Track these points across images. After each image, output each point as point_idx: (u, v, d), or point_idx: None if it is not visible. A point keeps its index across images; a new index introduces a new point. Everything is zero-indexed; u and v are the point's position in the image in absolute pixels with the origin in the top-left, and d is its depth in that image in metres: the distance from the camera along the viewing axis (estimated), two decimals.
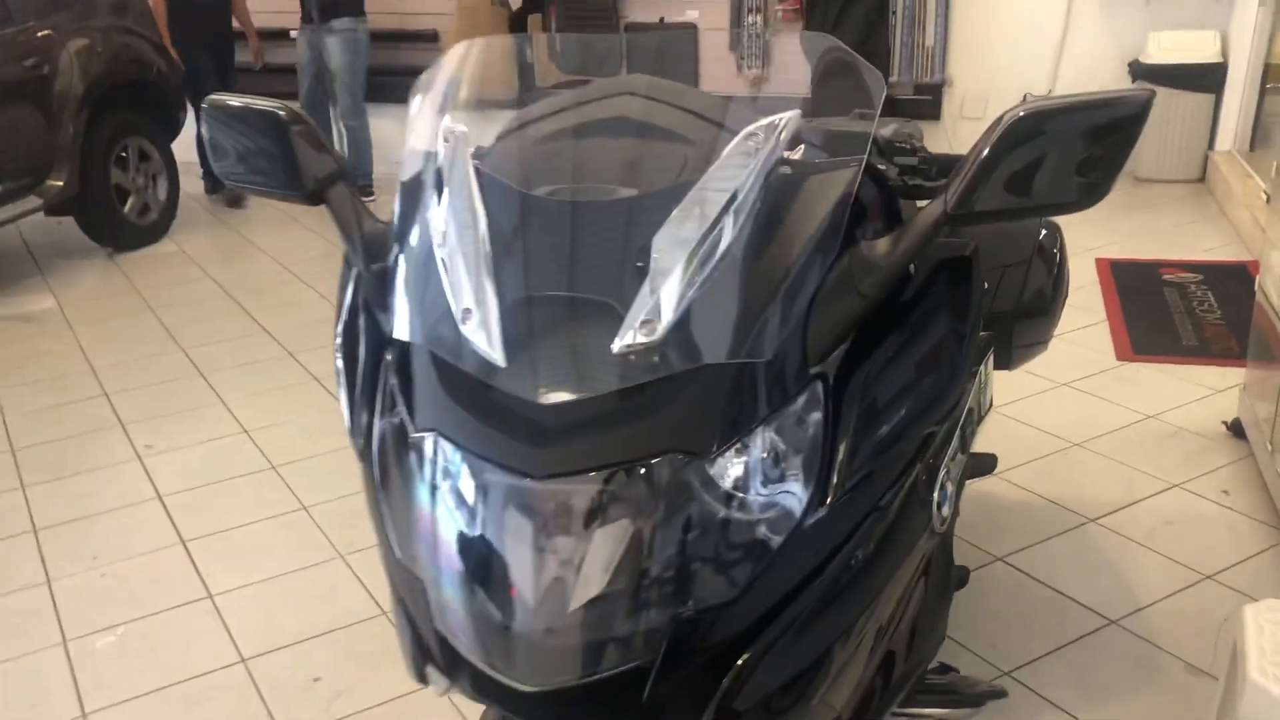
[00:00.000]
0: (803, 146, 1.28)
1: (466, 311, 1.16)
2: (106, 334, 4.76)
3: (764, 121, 1.17)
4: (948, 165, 1.49)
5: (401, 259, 1.26)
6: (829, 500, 1.13)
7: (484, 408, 1.13)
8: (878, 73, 1.38)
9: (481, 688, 1.17)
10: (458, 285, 1.17)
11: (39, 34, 5.41)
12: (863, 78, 1.39)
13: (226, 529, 3.18)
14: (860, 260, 1.19)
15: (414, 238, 1.27)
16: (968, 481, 1.72)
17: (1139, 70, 6.08)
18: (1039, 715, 2.30)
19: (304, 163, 1.37)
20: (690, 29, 6.65)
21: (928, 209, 1.19)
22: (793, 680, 1.17)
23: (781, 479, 1.12)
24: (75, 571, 2.99)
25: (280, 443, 3.68)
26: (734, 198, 1.13)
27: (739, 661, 1.13)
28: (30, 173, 5.38)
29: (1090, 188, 1.14)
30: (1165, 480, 3.22)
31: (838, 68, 1.54)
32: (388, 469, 1.23)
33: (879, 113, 1.31)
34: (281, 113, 1.38)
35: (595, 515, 1.08)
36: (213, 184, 6.60)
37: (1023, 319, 2.31)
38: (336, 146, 6.39)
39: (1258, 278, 3.41)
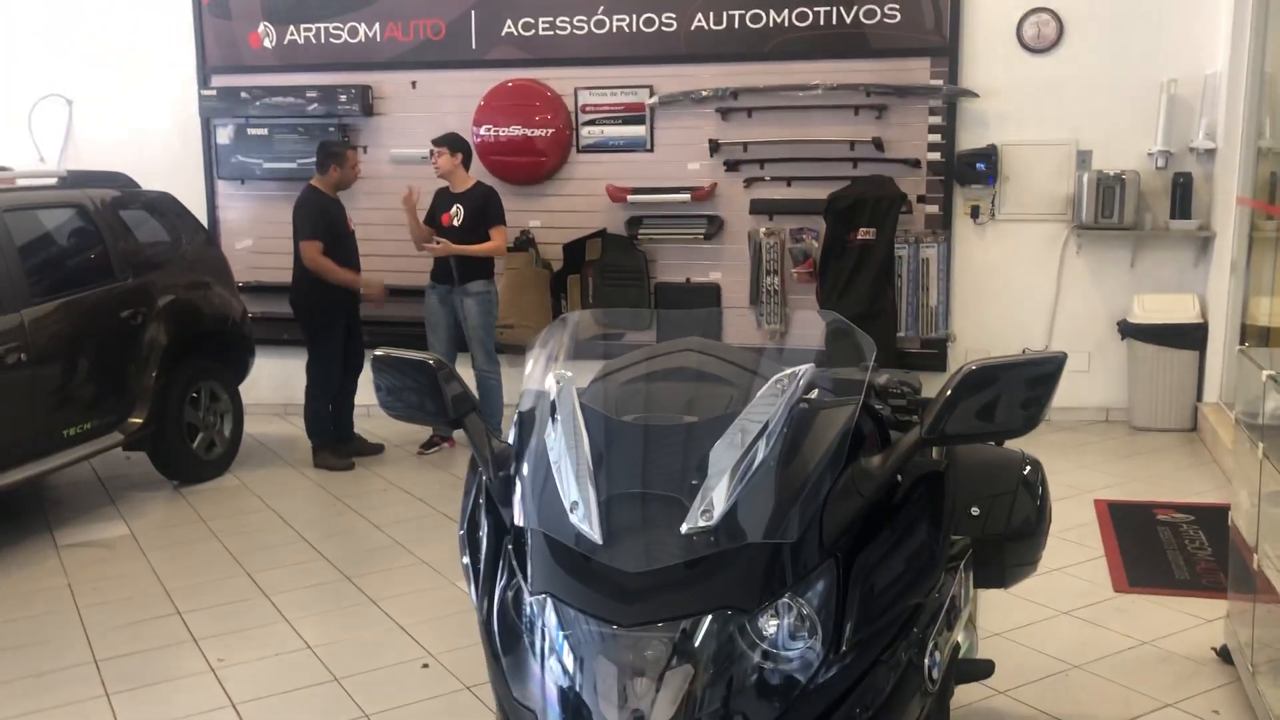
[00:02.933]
0: (816, 390, 1.73)
1: (574, 504, 1.57)
2: (176, 558, 5.15)
3: (789, 370, 1.61)
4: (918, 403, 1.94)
5: (524, 467, 1.69)
6: (842, 650, 1.51)
7: (585, 575, 1.54)
8: (869, 338, 1.86)
9: None
10: (567, 485, 1.59)
11: (135, 289, 6.07)
12: (858, 341, 1.86)
13: None
14: (860, 471, 1.62)
15: (532, 452, 1.70)
16: (978, 699, 2.00)
17: (1127, 329, 6.65)
18: None
19: (447, 398, 1.82)
20: (714, 287, 7.32)
21: (908, 434, 1.62)
22: None
23: (805, 633, 1.50)
24: None
25: (342, 658, 4.00)
26: (767, 425, 1.56)
27: None
28: (115, 411, 5.91)
29: (1027, 419, 1.57)
30: (1160, 700, 3.50)
31: (842, 332, 2.00)
32: (508, 625, 1.62)
33: (870, 366, 1.77)
34: (431, 362, 1.84)
35: (668, 656, 1.46)
36: (322, 458, 6.69)
37: (1011, 541, 2.69)
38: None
39: (1230, 515, 3.80)
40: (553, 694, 1.52)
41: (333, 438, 6.71)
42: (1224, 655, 3.73)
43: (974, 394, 1.57)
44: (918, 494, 1.66)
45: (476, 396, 2.35)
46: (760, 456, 1.55)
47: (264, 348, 7.09)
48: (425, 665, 3.94)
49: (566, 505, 1.58)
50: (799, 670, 1.50)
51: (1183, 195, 6.60)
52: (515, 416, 1.91)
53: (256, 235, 7.98)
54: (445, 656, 4.00)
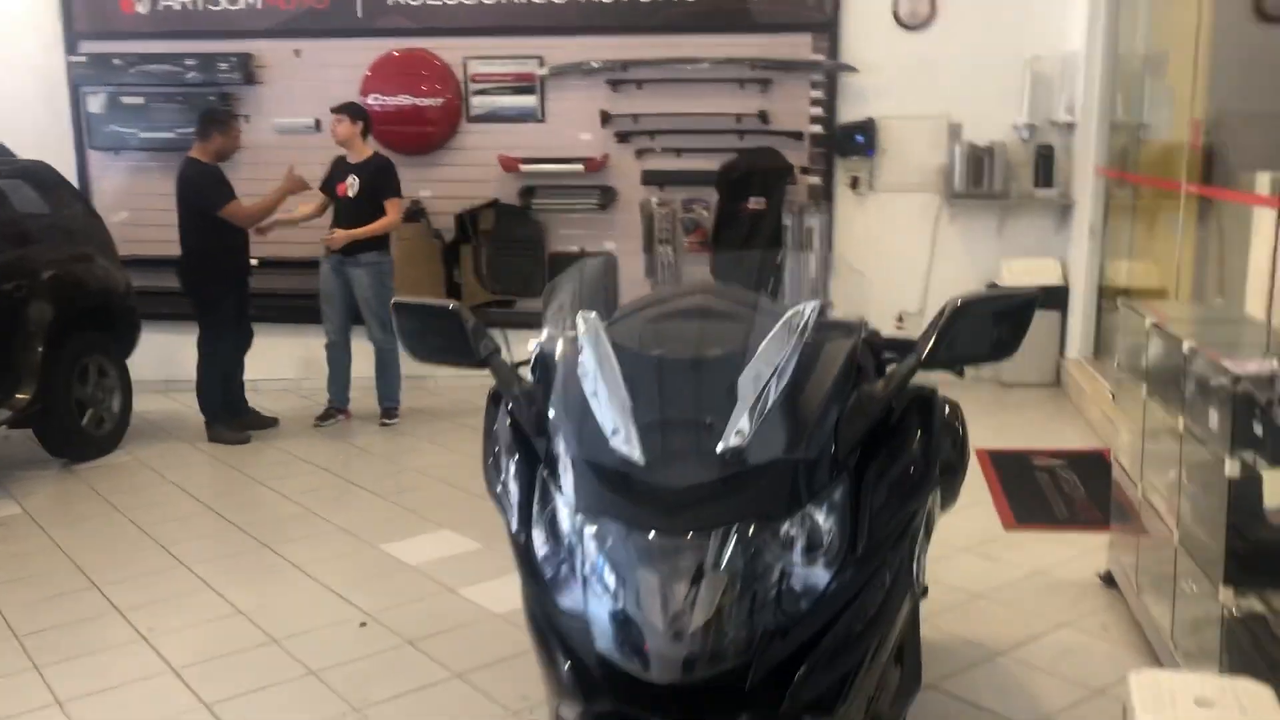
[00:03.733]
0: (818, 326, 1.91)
1: (615, 430, 1.72)
2: (82, 534, 5.04)
3: (798, 307, 1.79)
4: (900, 344, 2.15)
5: (558, 401, 1.83)
6: (857, 553, 1.71)
7: (629, 494, 1.69)
8: (862, 275, 2.06)
9: (630, 694, 1.67)
10: (606, 414, 1.74)
11: (15, 261, 5.87)
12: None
13: (247, 692, 3.51)
14: (866, 394, 1.82)
15: (565, 386, 1.84)
16: None
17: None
18: None
19: (472, 339, 1.94)
20: (611, 257, 7.47)
21: (905, 361, 1.83)
22: (837, 681, 1.71)
23: (825, 537, 1.69)
24: None
25: (277, 620, 4.04)
26: (785, 356, 1.74)
27: (803, 666, 1.66)
28: (1, 388, 5.72)
29: (1006, 345, 1.80)
30: (1055, 621, 3.85)
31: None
32: (547, 546, 1.75)
33: (866, 300, 1.98)
34: (451, 306, 1.95)
35: (707, 561, 1.63)
36: (216, 432, 6.58)
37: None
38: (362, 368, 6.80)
39: (1112, 455, 4.17)
40: (600, 603, 1.66)
41: (226, 412, 6.63)
42: (1108, 580, 4.11)
43: (964, 324, 1.78)
44: (911, 416, 1.86)
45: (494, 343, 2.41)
46: (782, 384, 1.72)
47: (143, 323, 6.91)
48: (363, 624, 4.01)
49: (607, 432, 1.73)
50: (818, 574, 1.68)
51: (1045, 166, 7.06)
52: (533, 359, 2.03)
53: (132, 207, 7.75)
54: (383, 615, 4.07)
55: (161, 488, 5.77)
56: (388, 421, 6.86)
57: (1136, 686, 2.37)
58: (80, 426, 6.23)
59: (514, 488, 1.87)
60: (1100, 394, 6.24)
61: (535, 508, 1.81)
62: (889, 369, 1.88)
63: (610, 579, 1.67)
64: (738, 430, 1.69)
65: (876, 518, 1.74)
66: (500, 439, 1.94)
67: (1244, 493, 2.93)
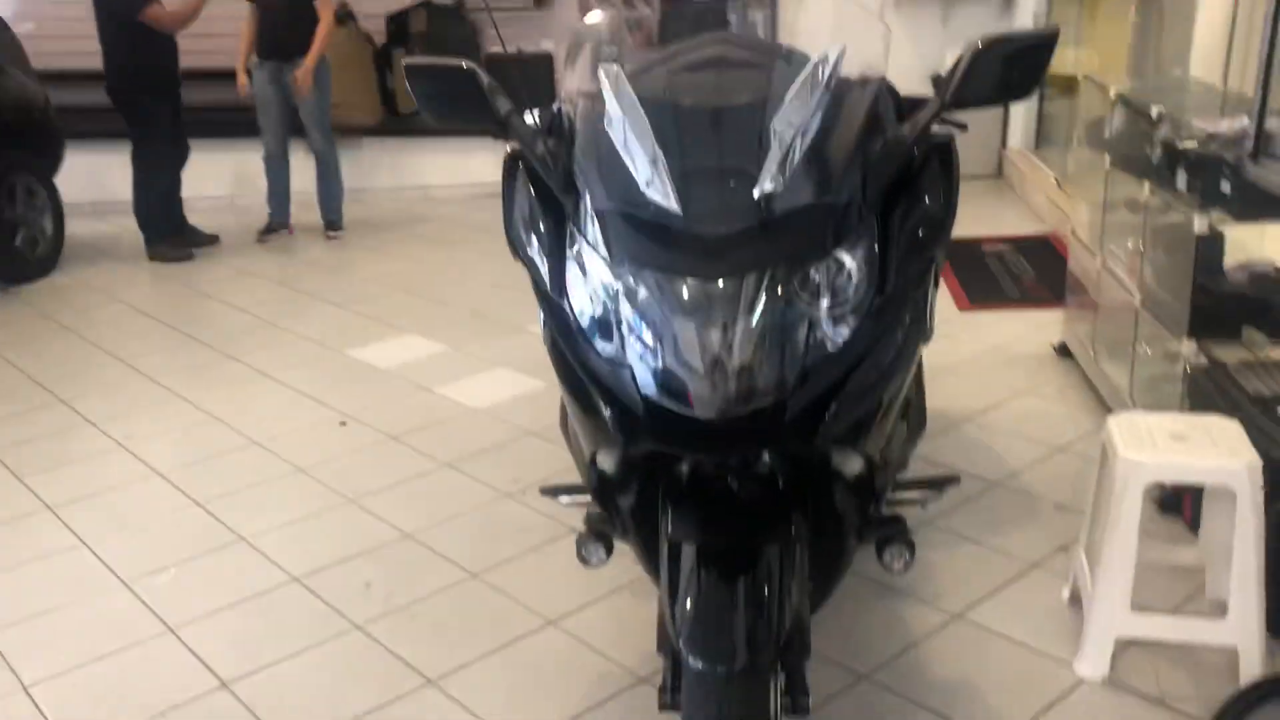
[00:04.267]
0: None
1: (649, 181, 1.72)
2: (35, 353, 4.95)
3: (824, 53, 1.78)
4: (915, 100, 2.16)
5: (586, 156, 1.82)
6: (885, 295, 1.76)
7: (667, 244, 1.71)
8: (883, 24, 2.06)
9: (672, 435, 1.73)
10: (637, 165, 1.74)
11: None
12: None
13: (238, 490, 3.56)
14: (891, 139, 1.85)
15: (590, 141, 1.83)
16: None
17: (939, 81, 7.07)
18: (954, 544, 2.99)
19: (491, 100, 1.90)
20: (546, 57, 7.29)
21: (928, 104, 1.85)
22: (862, 417, 1.80)
23: (855, 280, 1.74)
24: (108, 532, 3.31)
25: (255, 424, 4.05)
26: (816, 101, 1.74)
27: (834, 403, 1.74)
28: None
29: (1023, 85, 1.83)
30: (1016, 390, 4.03)
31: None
32: (596, 301, 1.77)
33: (888, 47, 1.98)
34: (465, 65, 1.91)
35: (758, 299, 1.67)
36: (158, 250, 6.42)
37: None
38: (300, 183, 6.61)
39: (1070, 228, 4.29)
40: (642, 350, 1.70)
41: (167, 229, 6.46)
42: (1062, 351, 4.28)
43: (985, 65, 1.80)
44: (931, 162, 1.89)
45: (510, 103, 2.35)
46: (812, 130, 1.73)
47: (68, 142, 6.61)
48: (343, 423, 4.05)
49: (641, 183, 1.73)
50: (849, 316, 1.74)
51: None
52: (551, 118, 2.01)
53: (40, 17, 7.32)
54: (361, 415, 4.11)
55: (110, 306, 5.66)
56: (333, 234, 6.75)
57: (1115, 427, 2.52)
58: (14, 247, 6.03)
59: (543, 246, 1.88)
60: (1044, 182, 6.36)
61: (569, 265, 1.83)
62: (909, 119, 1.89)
63: (651, 326, 1.70)
64: (772, 176, 1.70)
65: (902, 261, 1.79)
66: (523, 201, 1.93)
67: (1208, 251, 3.06)
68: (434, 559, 3.10)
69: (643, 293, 1.71)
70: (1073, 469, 3.43)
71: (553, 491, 2.47)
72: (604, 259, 1.76)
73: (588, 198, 1.81)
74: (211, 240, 6.64)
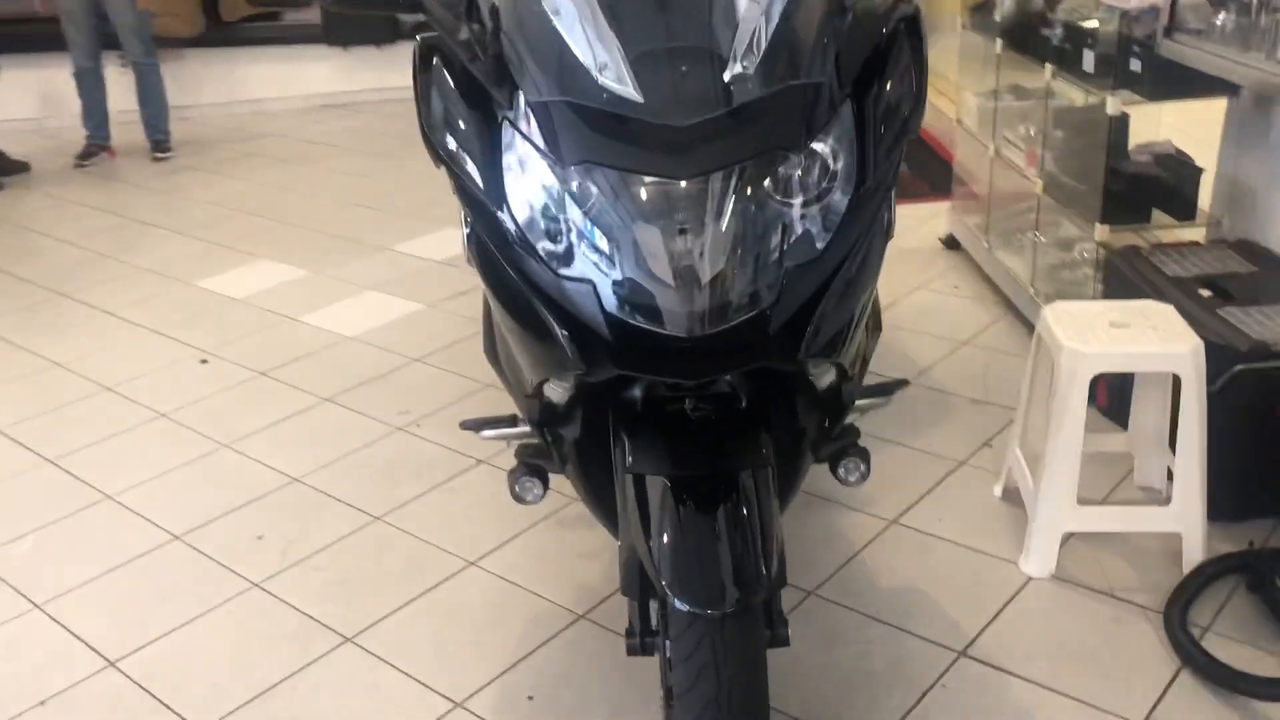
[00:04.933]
0: None
1: (603, 65, 1.49)
2: None
3: None
4: None
5: (520, 41, 1.57)
6: (865, 187, 1.59)
7: (626, 137, 1.49)
8: None
9: (640, 355, 1.54)
10: (587, 48, 1.50)
11: None
12: None
13: (96, 442, 3.20)
14: (862, 10, 1.66)
15: (526, 23, 1.57)
16: None
17: None
18: (877, 448, 2.91)
19: None
20: None
21: None
22: (840, 329, 1.64)
23: (836, 172, 1.57)
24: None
25: (103, 369, 3.67)
26: None
27: (818, 310, 1.57)
28: None
29: None
30: (909, 286, 3.96)
31: None
32: (541, 207, 1.54)
33: None
34: None
35: (729, 199, 1.48)
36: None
37: None
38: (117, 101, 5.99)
39: (956, 118, 4.21)
40: (603, 262, 1.50)
41: None
42: (950, 243, 4.24)
43: None
44: (900, 36, 1.72)
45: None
46: (782, 1, 1.54)
47: None
48: (204, 361, 3.70)
49: (593, 69, 1.50)
50: (831, 212, 1.57)
51: None
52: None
53: None
54: (223, 351, 3.76)
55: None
56: (160, 155, 6.19)
57: (1052, 318, 2.44)
58: None
59: (471, 148, 1.63)
60: None
61: (505, 168, 1.59)
62: None
63: (609, 234, 1.49)
64: (742, 56, 1.50)
65: (878, 151, 1.62)
66: (443, 97, 1.68)
67: (1116, 134, 3.00)
68: (329, 504, 2.84)
69: (598, 195, 1.50)
70: (980, 363, 3.39)
71: (475, 425, 2.25)
72: (549, 158, 1.53)
73: (525, 88, 1.56)
74: (21, 168, 6.00)
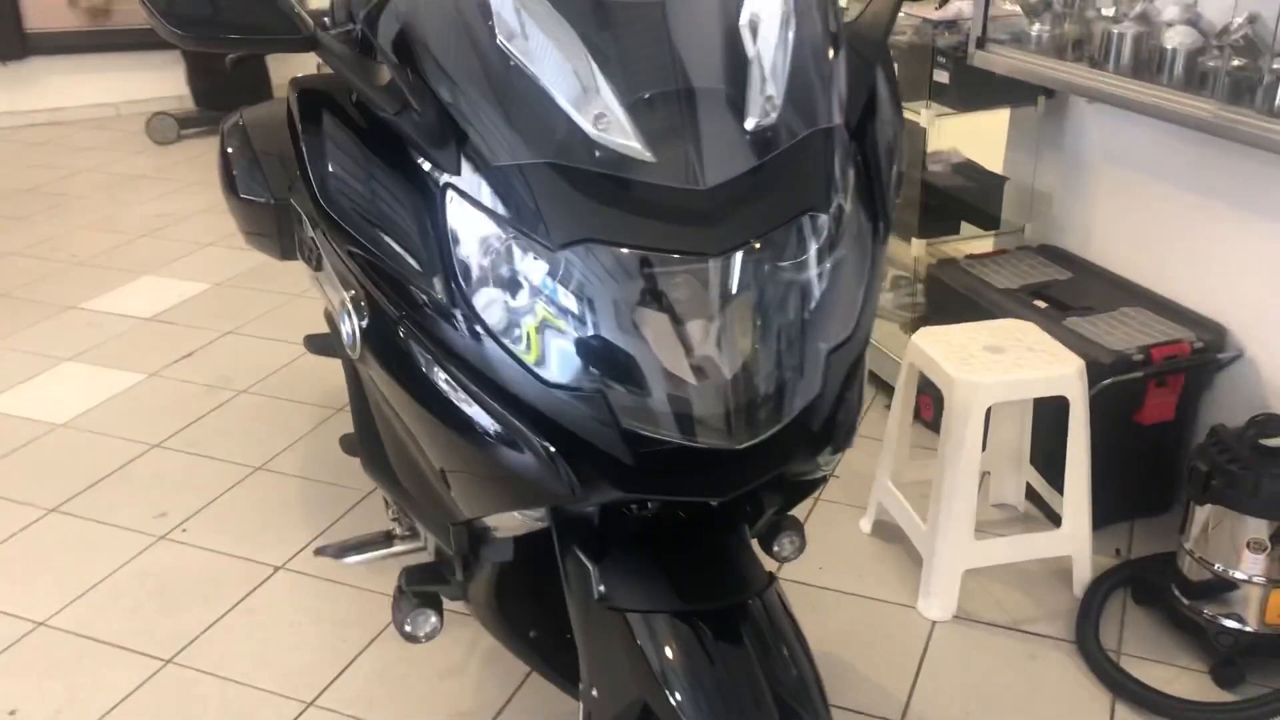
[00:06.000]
0: None
1: (599, 117, 1.15)
2: None
3: None
4: None
5: (473, 88, 1.18)
6: (879, 238, 1.35)
7: (636, 205, 1.15)
8: None
9: (667, 474, 1.21)
10: (574, 94, 1.16)
11: None
12: None
13: None
14: (860, 31, 1.40)
15: (483, 64, 1.19)
16: None
17: None
18: None
19: (291, 9, 1.18)
20: None
21: None
22: (858, 410, 1.39)
23: (861, 223, 1.32)
24: None
25: None
26: None
27: (849, 398, 1.31)
28: None
29: None
30: None
31: None
32: (509, 299, 1.18)
33: None
34: None
35: (767, 275, 1.19)
36: None
37: None
38: None
39: None
40: (634, 355, 1.16)
41: None
42: None
43: None
44: (877, 68, 1.47)
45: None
46: (793, 25, 1.26)
47: None
48: None
49: (585, 121, 1.15)
50: (861, 270, 1.32)
51: None
52: (366, 28, 1.32)
53: None
54: None
55: None
56: None
57: (927, 346, 2.32)
58: None
59: (396, 220, 1.23)
60: None
61: (456, 247, 1.21)
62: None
63: (624, 329, 1.16)
64: (768, 97, 1.21)
65: (887, 195, 1.39)
66: (345, 155, 1.26)
67: (919, 148, 2.96)
68: (97, 651, 2.26)
69: (595, 282, 1.16)
70: None
71: (338, 552, 1.82)
72: (527, 239, 1.18)
73: (483, 149, 1.19)
74: None
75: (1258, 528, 2.04)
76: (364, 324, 1.39)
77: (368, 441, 1.70)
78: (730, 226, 1.17)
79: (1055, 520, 2.53)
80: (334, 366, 3.30)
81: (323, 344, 2.54)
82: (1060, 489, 2.50)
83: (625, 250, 1.15)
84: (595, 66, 1.17)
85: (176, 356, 3.52)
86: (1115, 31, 2.35)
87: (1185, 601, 2.19)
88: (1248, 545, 2.06)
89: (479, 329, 1.22)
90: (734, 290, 1.17)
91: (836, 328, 1.28)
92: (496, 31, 1.19)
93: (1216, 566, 2.12)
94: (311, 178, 1.30)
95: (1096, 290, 2.68)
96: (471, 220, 1.21)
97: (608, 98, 1.16)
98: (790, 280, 1.21)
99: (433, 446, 1.38)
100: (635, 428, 1.19)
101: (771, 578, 1.41)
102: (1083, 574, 2.34)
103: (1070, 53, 2.57)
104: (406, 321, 1.29)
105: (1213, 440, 2.12)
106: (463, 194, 1.21)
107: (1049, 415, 2.38)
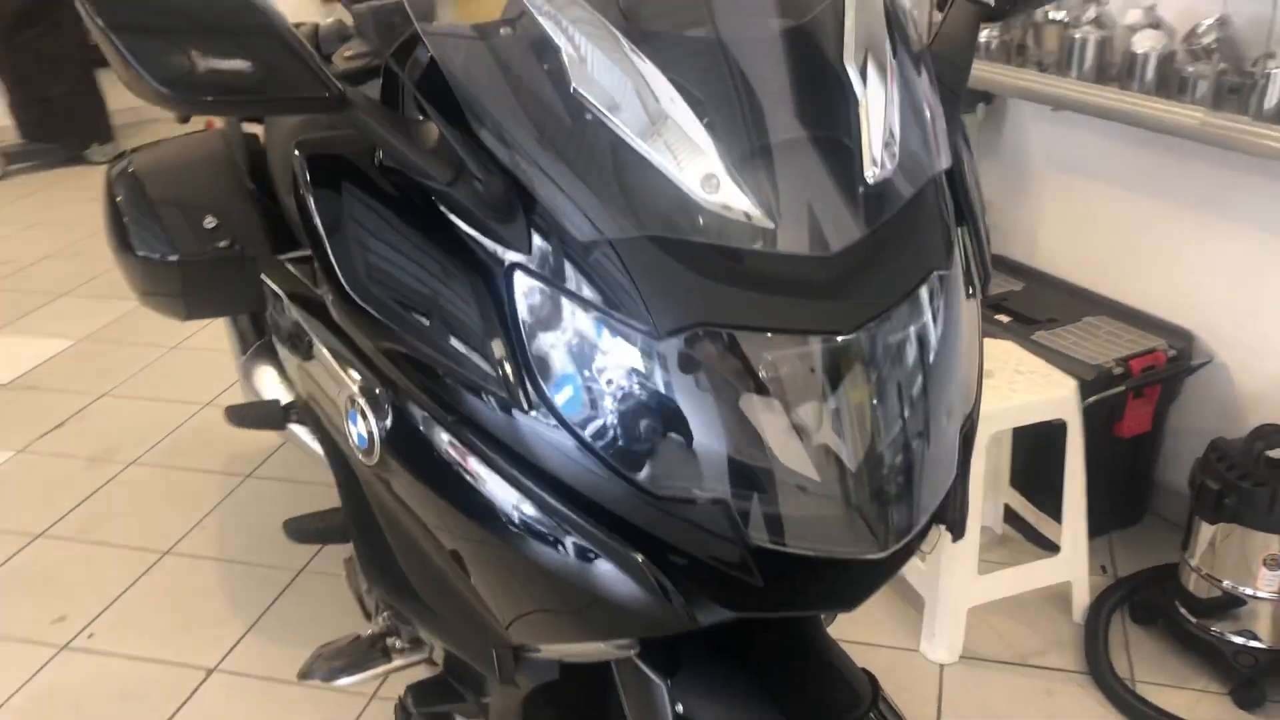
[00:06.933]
0: None
1: (707, 177, 0.96)
2: None
3: None
4: None
5: (547, 152, 0.96)
6: (971, 294, 1.20)
7: (752, 279, 0.97)
8: None
9: (795, 593, 1.04)
10: (677, 154, 0.96)
11: None
12: None
13: None
14: (949, 51, 1.24)
15: (547, 120, 0.97)
16: None
17: None
18: None
19: (315, 66, 0.94)
20: None
21: (965, 8, 1.26)
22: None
23: (973, 277, 1.16)
24: None
25: None
26: (890, 18, 1.09)
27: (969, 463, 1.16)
28: None
29: None
30: None
31: None
32: (610, 394, 0.97)
33: None
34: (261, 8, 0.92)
35: (895, 350, 1.02)
36: None
37: None
38: None
39: None
40: (769, 452, 0.98)
41: None
42: None
43: None
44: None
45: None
46: (899, 62, 1.08)
47: None
48: None
49: (692, 184, 0.96)
50: (974, 328, 1.17)
51: None
52: (404, 82, 1.08)
53: None
54: None
55: None
56: None
57: None
58: None
59: (464, 315, 1.01)
60: None
61: (531, 343, 1.00)
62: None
63: (748, 423, 0.98)
64: (885, 144, 1.04)
65: (982, 245, 1.24)
66: (373, 232, 1.03)
67: None
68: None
69: (722, 371, 0.97)
70: None
71: (328, 674, 1.57)
72: (626, 326, 0.98)
73: (563, 221, 0.98)
74: None
75: (1273, 543, 1.99)
76: (386, 425, 1.16)
77: (370, 549, 1.45)
78: (861, 297, 0.99)
79: (1037, 542, 2.46)
80: (234, 429, 2.99)
81: (251, 417, 2.25)
82: (1042, 508, 2.43)
83: (745, 334, 0.97)
84: (696, 118, 0.98)
85: (47, 427, 3.14)
86: (1077, 36, 2.27)
87: (1193, 620, 2.13)
88: (1264, 562, 2.00)
89: (561, 434, 1.02)
90: (872, 371, 1.00)
91: (961, 402, 1.13)
92: (570, 77, 0.99)
93: (1226, 583, 2.06)
94: (335, 263, 1.06)
95: (1054, 300, 2.62)
96: (550, 306, 1.00)
97: (714, 155, 0.97)
98: (915, 354, 1.05)
99: (484, 568, 1.16)
100: (763, 541, 1.01)
101: (874, 682, 1.24)
102: (1082, 599, 2.26)
103: (1014, 58, 2.49)
104: (458, 426, 1.07)
105: (1217, 455, 2.06)
106: (535, 275, 1.00)
107: (1027, 434, 2.29)
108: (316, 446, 2.27)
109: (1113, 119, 2.24)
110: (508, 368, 1.02)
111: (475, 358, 1.03)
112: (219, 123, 2.54)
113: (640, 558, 1.03)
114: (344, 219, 1.07)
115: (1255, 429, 2.07)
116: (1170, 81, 2.14)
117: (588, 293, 0.98)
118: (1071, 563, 2.23)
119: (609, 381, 0.99)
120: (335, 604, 2.36)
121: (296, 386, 1.58)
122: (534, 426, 1.03)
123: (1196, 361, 2.41)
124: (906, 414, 1.03)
